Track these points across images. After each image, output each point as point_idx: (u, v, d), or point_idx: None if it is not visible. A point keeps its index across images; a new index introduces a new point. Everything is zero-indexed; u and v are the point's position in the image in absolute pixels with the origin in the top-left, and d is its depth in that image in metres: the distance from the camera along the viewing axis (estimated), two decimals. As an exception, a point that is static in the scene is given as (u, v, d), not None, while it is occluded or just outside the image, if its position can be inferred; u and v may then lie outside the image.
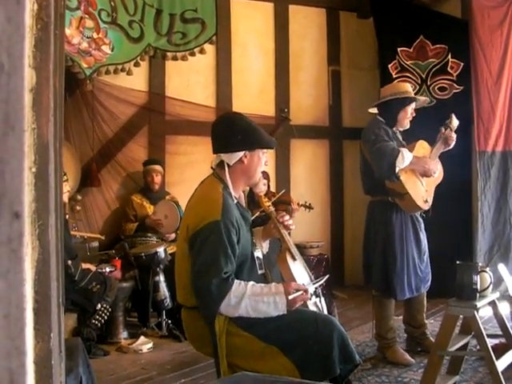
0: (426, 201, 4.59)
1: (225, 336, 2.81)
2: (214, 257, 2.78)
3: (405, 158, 4.40)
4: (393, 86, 4.96)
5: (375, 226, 4.73)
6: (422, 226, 4.77)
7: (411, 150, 4.57)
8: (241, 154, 2.99)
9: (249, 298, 2.79)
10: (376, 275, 4.71)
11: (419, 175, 4.61)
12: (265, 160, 3.13)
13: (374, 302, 4.82)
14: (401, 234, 4.61)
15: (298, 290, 2.90)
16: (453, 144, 4.74)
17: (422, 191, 4.59)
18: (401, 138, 4.75)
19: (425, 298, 4.89)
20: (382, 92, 4.86)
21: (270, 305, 2.82)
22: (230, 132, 3.01)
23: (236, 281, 2.81)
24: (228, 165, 3.01)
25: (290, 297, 2.84)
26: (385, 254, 4.64)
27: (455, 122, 4.79)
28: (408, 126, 4.74)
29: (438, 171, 4.67)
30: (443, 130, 4.75)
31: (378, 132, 4.56)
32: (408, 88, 4.81)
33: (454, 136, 4.73)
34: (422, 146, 4.74)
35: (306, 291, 2.94)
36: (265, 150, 3.11)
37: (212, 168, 3.15)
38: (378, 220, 4.70)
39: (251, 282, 2.86)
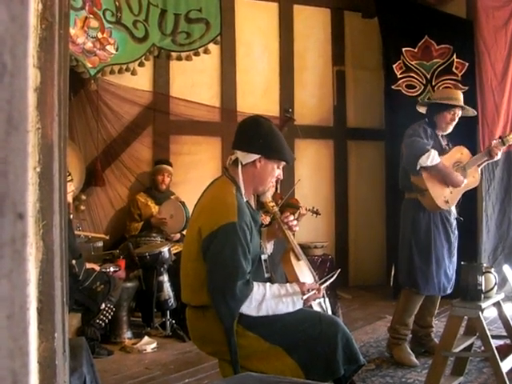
0: (447, 201, 4.63)
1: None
2: (236, 259, 2.78)
3: (430, 159, 4.49)
4: (442, 91, 5.23)
5: (404, 223, 4.86)
6: (454, 227, 4.83)
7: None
8: (256, 156, 2.99)
9: (269, 300, 2.83)
10: (403, 270, 4.85)
11: None
12: (278, 172, 3.11)
13: (402, 294, 4.87)
14: (427, 232, 4.68)
15: (311, 290, 2.98)
16: (497, 157, 4.81)
17: (444, 191, 4.64)
18: (443, 141, 4.82)
19: (438, 301, 4.92)
20: (434, 95, 5.08)
21: (289, 305, 2.89)
22: (254, 133, 3.02)
23: (255, 283, 2.84)
24: (241, 163, 3.01)
25: (305, 297, 2.93)
26: (411, 249, 4.74)
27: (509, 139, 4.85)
28: (448, 131, 4.81)
29: (463, 183, 4.69)
30: (495, 141, 4.85)
31: (416, 128, 4.71)
32: (453, 95, 4.85)
33: (501, 149, 4.78)
34: (460, 152, 4.79)
35: (318, 290, 3.01)
36: (282, 163, 3.11)
37: (225, 168, 3.15)
38: (408, 217, 4.81)
39: (268, 284, 2.91)
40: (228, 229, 2.80)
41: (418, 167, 4.52)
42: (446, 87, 7.09)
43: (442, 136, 4.83)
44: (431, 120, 4.77)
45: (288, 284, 2.98)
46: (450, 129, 4.78)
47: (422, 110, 4.95)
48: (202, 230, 2.87)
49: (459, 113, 4.78)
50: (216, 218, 2.85)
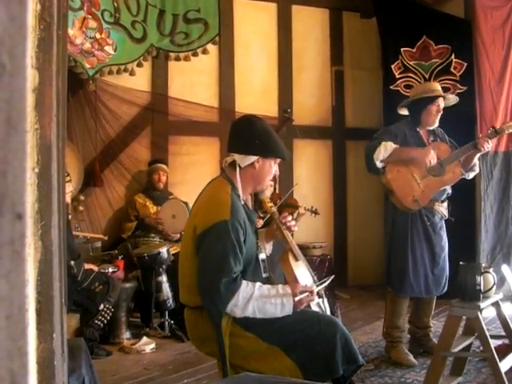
0: (416, 201, 4.52)
1: (228, 336, 2.82)
2: (224, 256, 2.79)
3: (383, 149, 4.44)
4: (418, 87, 5.07)
5: (387, 224, 4.90)
6: (439, 228, 4.72)
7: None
8: (254, 158, 2.99)
9: (256, 300, 2.81)
10: (384, 271, 4.90)
11: (417, 175, 4.56)
12: (275, 169, 3.13)
13: (387, 297, 4.86)
14: (405, 234, 4.61)
15: (304, 292, 2.92)
16: (484, 150, 4.53)
17: (414, 191, 4.53)
18: (429, 137, 4.73)
19: (434, 301, 4.88)
20: (410, 93, 4.93)
21: (277, 306, 2.85)
22: (249, 134, 3.02)
23: (243, 281, 2.82)
24: (239, 166, 3.01)
25: (297, 298, 2.87)
26: (389, 251, 4.75)
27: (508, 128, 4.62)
28: (436, 125, 4.69)
29: (430, 156, 4.47)
30: (489, 131, 4.66)
31: (382, 130, 4.70)
32: (433, 87, 4.78)
33: (490, 141, 4.52)
34: (438, 148, 4.64)
35: (311, 292, 2.96)
36: (278, 160, 3.12)
37: (222, 168, 3.15)
38: (389, 218, 4.80)
39: (258, 283, 2.88)
40: (220, 227, 2.82)
41: (377, 165, 4.47)
42: (444, 87, 7.10)
43: (428, 131, 4.74)
44: (416, 118, 4.67)
45: (280, 285, 2.95)
46: (437, 121, 4.67)
47: (404, 111, 4.83)
48: (196, 228, 2.89)
49: (442, 104, 4.67)
50: (210, 216, 2.87)
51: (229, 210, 2.86)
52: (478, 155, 4.66)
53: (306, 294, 2.93)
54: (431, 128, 4.73)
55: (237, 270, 2.81)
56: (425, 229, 4.65)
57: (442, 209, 4.72)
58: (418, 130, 4.70)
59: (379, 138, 4.56)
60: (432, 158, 4.49)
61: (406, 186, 4.55)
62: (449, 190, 4.75)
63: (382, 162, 4.50)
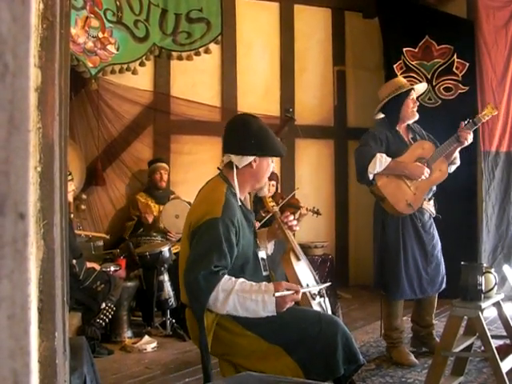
0: (410, 205, 4.49)
1: (212, 334, 2.81)
2: (207, 251, 2.79)
3: (378, 163, 4.41)
4: (387, 87, 4.91)
5: (375, 226, 4.78)
6: (429, 227, 4.70)
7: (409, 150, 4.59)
8: (251, 158, 3.00)
9: (237, 294, 2.77)
10: (375, 274, 4.81)
11: (406, 177, 4.54)
12: (272, 166, 3.15)
13: (382, 300, 4.83)
14: (396, 236, 4.59)
15: (288, 290, 2.86)
16: (467, 142, 4.52)
17: (406, 195, 4.51)
18: (409, 135, 4.71)
19: (435, 300, 4.86)
20: (379, 95, 4.86)
21: (259, 303, 2.80)
22: (244, 135, 3.02)
23: (226, 276, 2.80)
24: (237, 167, 3.02)
25: (277, 294, 2.78)
26: (381, 254, 4.69)
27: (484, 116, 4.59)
28: (417, 117, 4.67)
29: (424, 174, 4.49)
30: (463, 124, 4.56)
31: (366, 136, 4.64)
32: (400, 82, 4.79)
33: (471, 132, 4.51)
34: (421, 147, 4.63)
35: (297, 291, 2.89)
36: (274, 157, 3.14)
37: (219, 168, 3.16)
38: (378, 220, 4.73)
39: (241, 279, 2.84)
40: (209, 224, 2.83)
41: (370, 177, 4.45)
42: (446, 87, 7.10)
43: (407, 129, 4.73)
44: (394, 116, 4.65)
45: (264, 282, 2.90)
46: (417, 114, 4.66)
47: (378, 115, 4.83)
48: (190, 226, 2.92)
49: (415, 95, 4.69)
50: (202, 214, 2.88)
51: (220, 209, 2.86)
52: (459, 148, 4.64)
53: (291, 292, 2.85)
54: (411, 122, 4.72)
55: (219, 265, 2.78)
56: (416, 229, 4.62)
57: (430, 206, 4.71)
58: (397, 128, 4.69)
59: (368, 145, 4.53)
60: (426, 175, 4.51)
61: (398, 191, 4.52)
62: (433, 187, 4.73)
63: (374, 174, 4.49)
